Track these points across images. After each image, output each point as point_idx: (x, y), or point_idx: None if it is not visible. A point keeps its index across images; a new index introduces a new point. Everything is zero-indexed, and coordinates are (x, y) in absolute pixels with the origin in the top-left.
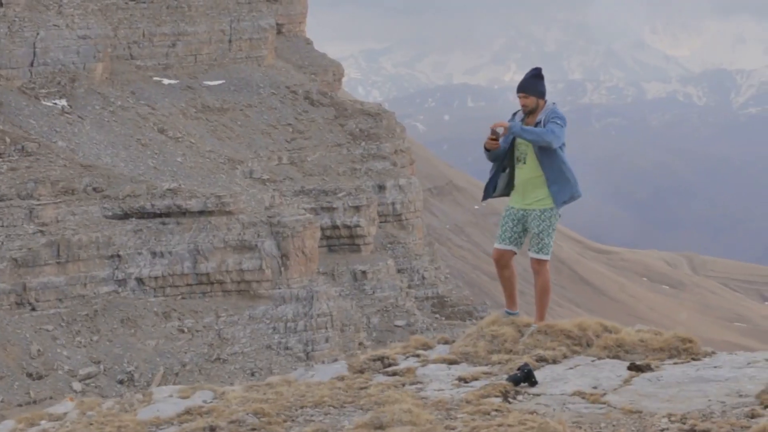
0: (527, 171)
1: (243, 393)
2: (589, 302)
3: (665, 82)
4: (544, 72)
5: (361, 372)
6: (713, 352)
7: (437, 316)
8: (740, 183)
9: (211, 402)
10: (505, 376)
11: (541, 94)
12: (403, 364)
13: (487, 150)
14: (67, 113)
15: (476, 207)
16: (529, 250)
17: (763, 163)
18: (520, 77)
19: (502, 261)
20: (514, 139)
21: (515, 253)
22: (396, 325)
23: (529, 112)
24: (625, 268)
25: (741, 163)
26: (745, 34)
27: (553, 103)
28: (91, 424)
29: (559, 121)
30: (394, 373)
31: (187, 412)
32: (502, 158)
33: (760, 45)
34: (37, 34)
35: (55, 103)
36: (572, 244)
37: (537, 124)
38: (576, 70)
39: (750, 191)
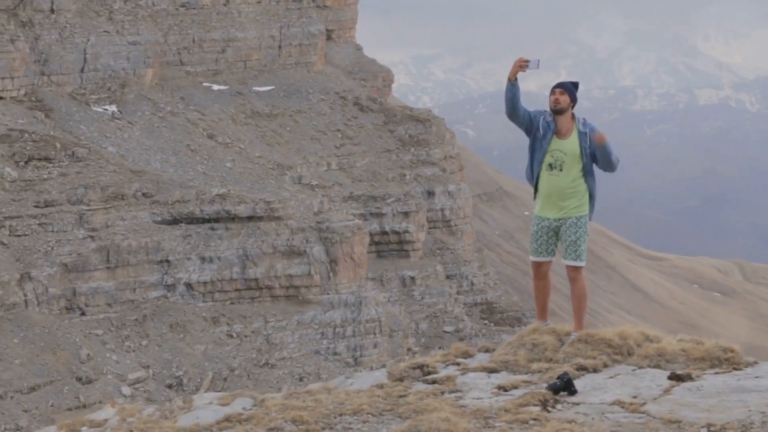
0: (563, 179)
1: (282, 400)
2: (640, 309)
3: (717, 88)
4: (597, 79)
5: (401, 380)
6: (755, 362)
7: (486, 322)
8: None
9: (250, 409)
10: (545, 385)
11: (574, 98)
12: (442, 372)
13: (510, 81)
14: (117, 119)
15: (526, 213)
16: (564, 258)
17: None
18: None
19: (541, 272)
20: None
21: (551, 263)
22: (445, 331)
23: (558, 111)
24: (675, 274)
25: None
26: None
27: (584, 119)
28: (131, 431)
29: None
30: (434, 381)
31: (227, 419)
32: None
33: None
34: (88, 40)
35: (106, 109)
36: (622, 251)
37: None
38: (627, 77)
39: None
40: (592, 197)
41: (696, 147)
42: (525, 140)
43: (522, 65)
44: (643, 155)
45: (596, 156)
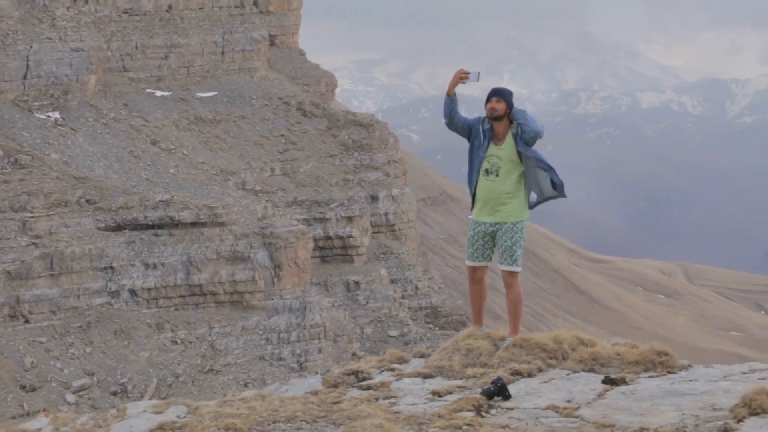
0: (500, 185)
1: (216, 408)
2: (584, 311)
3: (659, 91)
4: (540, 82)
5: (335, 386)
6: (689, 365)
7: (431, 326)
8: (735, 192)
9: (184, 417)
10: (479, 390)
11: (510, 105)
12: (377, 378)
13: (449, 96)
14: (60, 125)
15: (470, 217)
16: (500, 263)
17: (758, 172)
18: (514, 87)
19: (476, 277)
20: (484, 150)
21: (487, 268)
22: (389, 336)
23: (495, 118)
24: (620, 277)
25: (736, 172)
26: (740, 44)
27: (522, 111)
28: None
29: (531, 132)
30: (368, 388)
31: (160, 427)
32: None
33: (755, 54)
34: (30, 47)
35: (48, 116)
36: (567, 254)
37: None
38: (570, 80)
39: (745, 200)
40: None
41: (639, 150)
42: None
43: (462, 77)
44: (586, 158)
45: (524, 132)
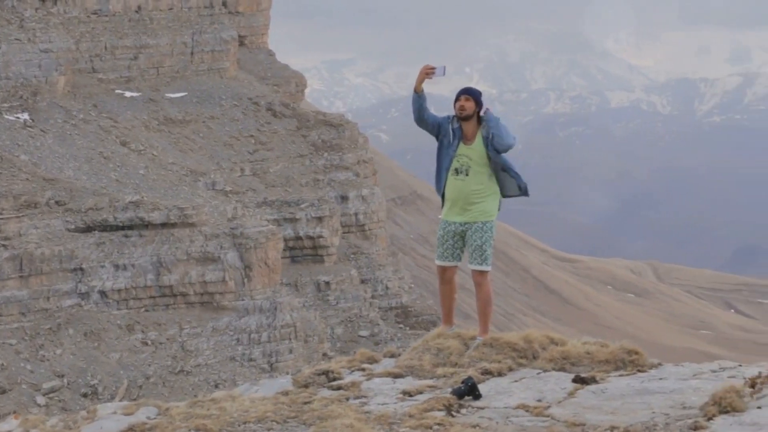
0: (469, 184)
1: (187, 409)
2: (555, 311)
3: (629, 91)
4: (509, 82)
5: (306, 386)
6: (659, 364)
7: (401, 326)
8: (704, 191)
9: (154, 418)
10: (449, 390)
11: (479, 104)
12: (348, 378)
13: (416, 93)
14: (29, 127)
15: (440, 216)
16: (470, 263)
17: (727, 171)
18: (483, 87)
19: (446, 277)
20: (454, 150)
21: (457, 267)
22: (360, 336)
23: (464, 117)
24: (590, 276)
25: (704, 171)
26: (709, 44)
27: (487, 109)
28: None
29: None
30: (339, 388)
31: (131, 429)
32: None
33: (724, 54)
34: None
35: (17, 117)
36: (537, 253)
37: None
38: (539, 80)
39: (714, 199)
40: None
41: (609, 149)
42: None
43: (428, 73)
44: (555, 158)
45: (496, 143)
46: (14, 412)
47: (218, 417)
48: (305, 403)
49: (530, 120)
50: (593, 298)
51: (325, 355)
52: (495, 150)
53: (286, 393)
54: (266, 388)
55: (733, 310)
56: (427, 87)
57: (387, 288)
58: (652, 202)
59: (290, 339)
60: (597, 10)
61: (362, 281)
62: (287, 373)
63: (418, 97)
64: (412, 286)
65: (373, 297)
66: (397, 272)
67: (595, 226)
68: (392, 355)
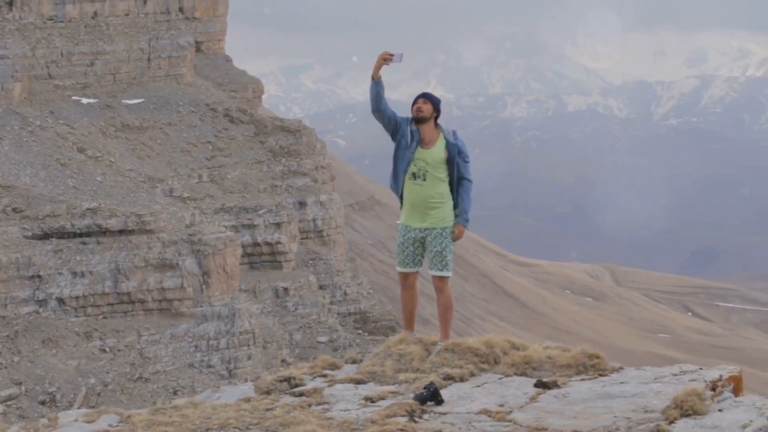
0: (427, 189)
1: (149, 416)
2: (513, 315)
3: (585, 94)
4: (466, 86)
5: (268, 393)
6: (621, 368)
7: (360, 331)
8: (660, 194)
9: (116, 426)
10: (412, 396)
11: (438, 109)
12: (310, 385)
13: (374, 80)
14: None
15: (398, 222)
16: (430, 268)
17: (683, 174)
18: (441, 91)
19: (408, 283)
20: (412, 152)
21: (418, 273)
22: (319, 342)
23: (420, 119)
24: (547, 280)
25: (661, 174)
26: (665, 46)
27: (455, 131)
28: None
29: (468, 160)
30: (301, 394)
31: None
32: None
33: (680, 57)
34: None
35: None
36: (495, 258)
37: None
38: (496, 84)
39: (670, 202)
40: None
41: (566, 153)
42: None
43: (386, 58)
44: (513, 162)
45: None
46: None
47: (180, 424)
48: (267, 409)
49: (487, 124)
50: (551, 302)
51: (283, 361)
52: (464, 161)
53: (248, 400)
54: (228, 395)
55: (690, 313)
56: (386, 93)
57: (345, 294)
58: (609, 206)
59: (249, 345)
60: (552, 13)
61: (321, 287)
62: (246, 380)
63: (376, 84)
64: (371, 291)
65: (331, 303)
66: (355, 278)
67: (553, 230)
68: (354, 361)
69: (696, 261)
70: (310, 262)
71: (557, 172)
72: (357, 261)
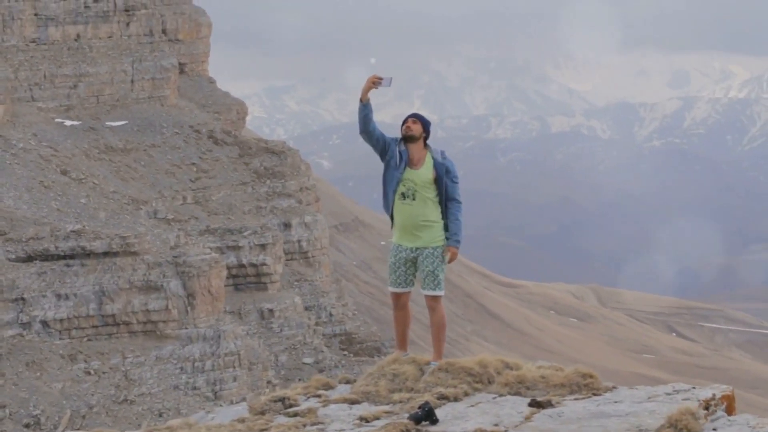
0: (417, 208)
1: None
2: (497, 335)
3: (569, 115)
4: (449, 108)
5: (262, 413)
6: (614, 387)
7: (345, 353)
8: (644, 215)
9: None
10: (406, 415)
11: (427, 131)
12: (304, 405)
13: (362, 102)
14: None
15: (382, 243)
16: (423, 288)
17: (667, 195)
18: (424, 112)
19: (400, 303)
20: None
21: (410, 293)
22: (304, 363)
23: (410, 138)
24: (532, 301)
25: (645, 195)
26: (648, 68)
27: (443, 151)
28: None
29: (456, 180)
30: (296, 414)
31: None
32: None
33: (663, 78)
34: None
35: None
36: (479, 278)
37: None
38: (480, 105)
39: (654, 223)
40: (453, 222)
41: (550, 174)
42: (381, 171)
43: (375, 81)
44: (497, 183)
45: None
46: None
47: None
48: (262, 430)
49: (471, 146)
50: (535, 322)
51: (269, 382)
52: (452, 182)
53: (242, 420)
54: (222, 416)
55: (674, 334)
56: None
57: (331, 315)
58: (592, 226)
59: (234, 367)
60: (534, 34)
61: (306, 308)
62: (232, 402)
63: (364, 107)
64: (356, 312)
65: (317, 324)
66: (340, 299)
67: (536, 251)
68: (347, 381)
69: (679, 281)
70: (296, 283)
71: (541, 192)
72: (342, 282)
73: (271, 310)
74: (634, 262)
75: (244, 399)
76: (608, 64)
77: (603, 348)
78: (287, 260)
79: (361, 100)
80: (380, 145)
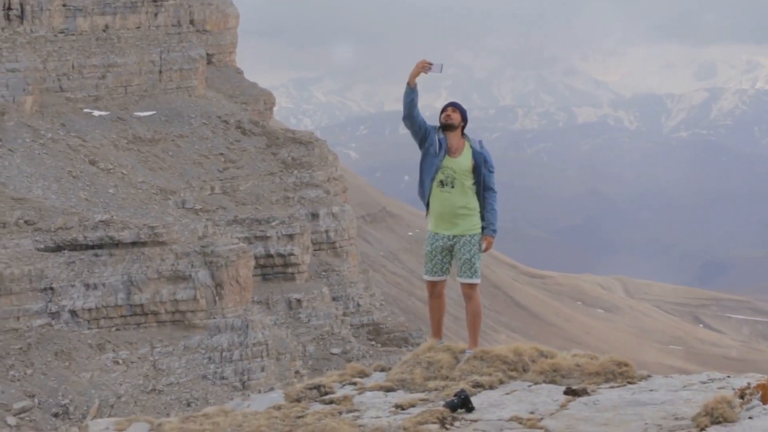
0: (456, 196)
1: (179, 424)
2: (525, 327)
3: (596, 106)
4: (477, 99)
5: (298, 401)
6: (649, 376)
7: (373, 343)
8: (671, 206)
9: None
10: (442, 403)
11: (465, 119)
12: (339, 392)
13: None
14: None
15: (410, 233)
16: (459, 276)
17: (694, 186)
18: None
19: (436, 291)
20: (440, 160)
21: (446, 281)
22: (332, 353)
23: (449, 126)
24: (559, 292)
25: (671, 186)
26: (675, 59)
27: (481, 141)
28: None
29: (493, 170)
30: (331, 402)
31: None
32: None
33: (689, 69)
34: None
35: None
36: (506, 269)
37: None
38: (507, 97)
39: (681, 214)
40: (490, 211)
41: (576, 165)
42: (408, 161)
43: (425, 66)
44: (524, 174)
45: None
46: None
47: None
48: (298, 417)
49: (498, 137)
50: (563, 313)
51: (297, 372)
52: (489, 171)
53: (278, 407)
54: (258, 403)
55: (701, 325)
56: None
57: (358, 305)
58: (619, 218)
59: (262, 357)
60: (562, 26)
61: (333, 299)
62: (260, 391)
63: (411, 91)
64: (383, 303)
65: (344, 314)
66: (368, 289)
67: (563, 242)
68: (382, 369)
69: (706, 273)
70: (323, 273)
71: (568, 184)
72: (369, 272)
73: (298, 301)
74: (660, 253)
75: (272, 389)
76: (635, 56)
77: (630, 339)
78: (315, 250)
79: (408, 84)
80: (421, 132)
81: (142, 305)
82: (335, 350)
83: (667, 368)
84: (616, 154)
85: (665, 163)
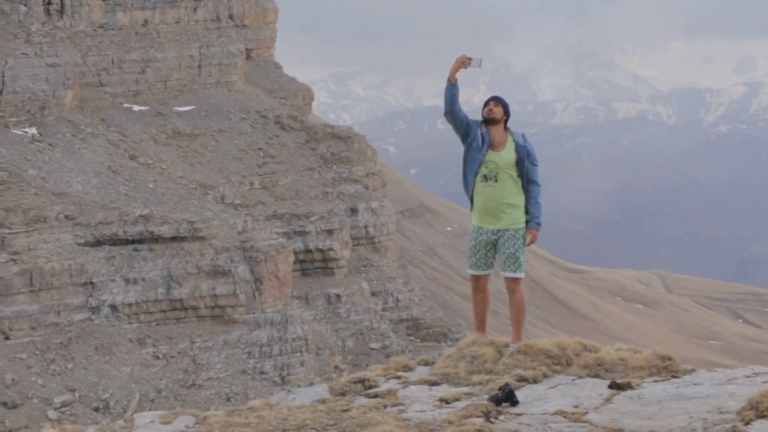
0: (499, 190)
1: (225, 417)
2: (564, 322)
3: (635, 101)
4: (515, 93)
5: (343, 394)
6: (693, 370)
7: (412, 338)
8: (710, 201)
9: (193, 427)
10: (487, 396)
11: (508, 113)
12: (384, 386)
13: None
14: (37, 141)
15: (448, 229)
16: (503, 270)
17: (733, 180)
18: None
19: (479, 285)
20: (483, 155)
21: (490, 275)
22: (371, 348)
23: (491, 120)
24: (598, 287)
25: (710, 181)
26: (714, 54)
27: (524, 134)
28: None
29: (536, 163)
30: (376, 395)
31: None
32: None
33: (729, 64)
34: (6, 62)
35: (25, 132)
36: (545, 264)
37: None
38: (546, 92)
39: (720, 209)
40: (534, 205)
41: (615, 160)
42: (446, 157)
43: (464, 61)
44: (562, 169)
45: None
46: (50, 422)
47: (257, 425)
48: (343, 410)
49: (537, 131)
50: (602, 308)
51: (336, 368)
52: (532, 164)
53: (323, 401)
54: (303, 397)
55: (740, 320)
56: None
57: (397, 300)
58: (658, 213)
59: (301, 352)
60: (600, 20)
61: (373, 294)
62: (299, 386)
63: (452, 86)
64: (422, 298)
65: (383, 309)
66: (407, 284)
67: (602, 237)
68: (426, 363)
69: (745, 267)
70: (362, 268)
71: (606, 178)
72: (408, 267)
73: (338, 296)
74: (699, 247)
75: (311, 384)
76: (674, 50)
77: (670, 334)
78: (354, 245)
79: (449, 80)
80: (463, 126)
81: (181, 300)
82: (374, 345)
83: (707, 363)
84: (655, 149)
85: (704, 157)
